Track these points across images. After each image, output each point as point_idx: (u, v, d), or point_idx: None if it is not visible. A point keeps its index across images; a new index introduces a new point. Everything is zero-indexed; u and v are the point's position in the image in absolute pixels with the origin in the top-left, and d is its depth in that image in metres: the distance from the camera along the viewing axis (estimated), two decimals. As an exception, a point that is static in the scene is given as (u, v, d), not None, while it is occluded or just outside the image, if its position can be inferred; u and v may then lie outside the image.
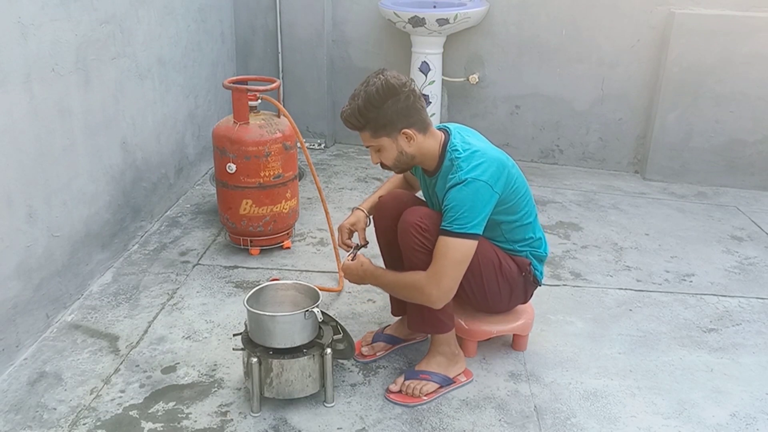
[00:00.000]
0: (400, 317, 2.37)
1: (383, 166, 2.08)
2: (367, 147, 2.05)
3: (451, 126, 2.10)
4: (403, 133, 1.98)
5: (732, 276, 2.94)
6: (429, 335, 2.24)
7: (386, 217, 2.19)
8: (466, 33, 4.01)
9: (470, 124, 2.30)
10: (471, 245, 1.93)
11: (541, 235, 2.21)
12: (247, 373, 2.01)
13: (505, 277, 2.13)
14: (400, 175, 2.35)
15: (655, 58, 3.87)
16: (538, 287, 2.27)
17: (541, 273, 2.23)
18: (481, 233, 1.95)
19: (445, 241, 1.93)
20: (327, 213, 2.87)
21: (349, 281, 2.15)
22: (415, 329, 2.17)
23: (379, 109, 1.93)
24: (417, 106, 1.98)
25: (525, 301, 2.28)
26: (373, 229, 2.27)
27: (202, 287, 2.72)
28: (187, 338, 2.39)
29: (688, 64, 3.76)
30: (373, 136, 1.99)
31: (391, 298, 2.35)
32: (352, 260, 2.13)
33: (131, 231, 3.00)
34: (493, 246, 2.11)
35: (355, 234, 2.26)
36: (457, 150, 2.00)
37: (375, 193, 2.33)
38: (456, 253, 1.93)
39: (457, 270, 1.95)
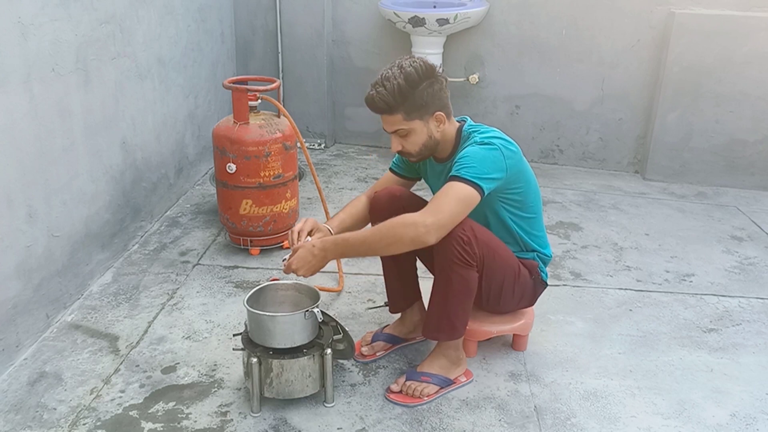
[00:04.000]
0: (399, 317, 2.37)
1: (402, 153, 2.07)
2: (393, 132, 2.02)
3: (467, 117, 2.15)
4: (435, 116, 1.99)
5: (732, 276, 2.94)
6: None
7: (381, 210, 2.19)
8: (466, 33, 4.01)
9: (470, 124, 2.32)
10: (475, 194, 1.88)
11: (544, 234, 2.24)
12: (247, 373, 2.01)
13: (520, 283, 2.14)
14: (363, 199, 2.25)
15: (655, 58, 3.87)
16: (545, 288, 2.28)
17: (546, 274, 2.25)
18: (485, 193, 1.90)
19: (450, 184, 1.89)
20: (327, 213, 2.87)
21: (304, 273, 1.96)
22: (429, 336, 2.14)
23: (416, 90, 1.93)
24: (446, 91, 2.01)
25: (532, 304, 2.29)
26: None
27: (202, 287, 2.72)
28: (187, 338, 2.39)
29: (688, 64, 3.76)
30: (406, 118, 1.97)
31: (389, 294, 2.34)
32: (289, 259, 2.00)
33: (131, 231, 3.00)
34: (511, 252, 2.12)
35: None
36: (474, 127, 2.05)
37: (336, 216, 2.22)
38: (460, 193, 1.88)
39: (456, 208, 1.88)
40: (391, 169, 2.32)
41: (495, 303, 2.16)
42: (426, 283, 2.39)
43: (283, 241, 3.00)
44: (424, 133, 2.01)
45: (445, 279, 1.99)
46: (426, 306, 2.34)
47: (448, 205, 1.87)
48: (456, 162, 1.94)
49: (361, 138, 4.44)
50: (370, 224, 2.25)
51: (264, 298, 2.11)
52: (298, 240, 2.03)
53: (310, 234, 2.07)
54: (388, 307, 2.36)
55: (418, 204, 2.21)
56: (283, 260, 2.02)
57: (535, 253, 2.19)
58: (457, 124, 2.10)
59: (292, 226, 2.21)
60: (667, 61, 3.78)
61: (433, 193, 2.23)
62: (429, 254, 2.08)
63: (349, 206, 2.26)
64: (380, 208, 2.19)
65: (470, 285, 2.00)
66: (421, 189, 3.64)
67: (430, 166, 2.20)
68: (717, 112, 3.82)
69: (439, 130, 2.03)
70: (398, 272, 2.27)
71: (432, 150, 2.07)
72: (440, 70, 2.01)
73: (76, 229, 2.56)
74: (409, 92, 1.93)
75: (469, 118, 2.14)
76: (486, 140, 1.96)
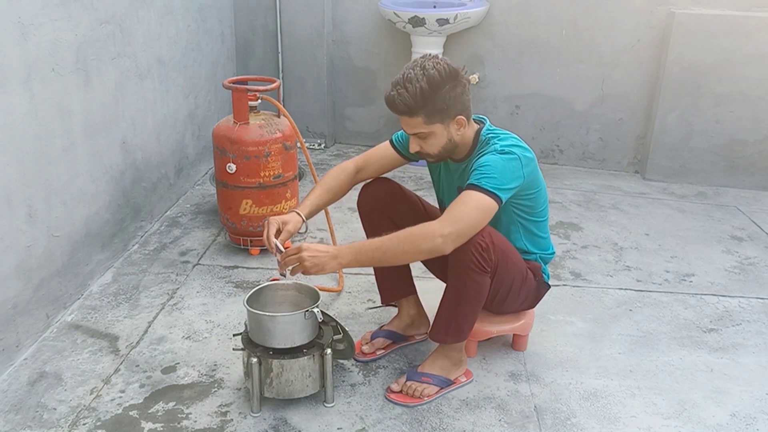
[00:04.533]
0: (396, 314, 2.37)
1: (421, 154, 2.05)
2: (413, 134, 1.99)
3: (485, 118, 2.12)
4: (456, 120, 1.96)
5: (732, 276, 2.94)
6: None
7: (366, 203, 2.20)
8: (466, 33, 4.01)
9: (470, 125, 2.31)
10: (494, 205, 1.87)
11: (548, 236, 2.25)
12: (247, 373, 2.01)
13: (526, 286, 2.15)
14: (341, 170, 2.20)
15: (655, 58, 3.87)
16: (549, 289, 2.28)
17: (548, 275, 2.26)
18: (503, 203, 1.89)
19: (469, 193, 1.87)
20: (327, 213, 2.87)
21: (307, 269, 1.85)
22: (437, 339, 2.12)
23: (438, 93, 1.89)
24: (468, 93, 1.98)
25: (534, 306, 2.29)
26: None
27: (202, 287, 2.72)
28: (187, 338, 2.39)
29: (688, 64, 3.76)
30: (427, 122, 1.93)
31: (379, 285, 2.33)
32: (283, 275, 1.94)
33: (131, 231, 3.00)
34: (520, 256, 2.12)
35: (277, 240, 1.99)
36: (493, 132, 2.03)
37: (312, 192, 2.16)
38: (480, 203, 1.85)
39: (476, 218, 1.85)
40: (391, 141, 2.24)
41: (499, 305, 2.16)
42: (423, 283, 2.40)
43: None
44: (444, 137, 1.97)
45: (459, 284, 1.98)
46: (421, 300, 2.35)
47: (468, 215, 1.85)
48: (475, 169, 1.91)
49: (361, 138, 4.44)
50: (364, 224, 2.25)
51: (264, 298, 2.11)
52: (271, 245, 1.95)
53: (278, 233, 1.99)
54: (386, 306, 2.35)
55: (409, 205, 2.22)
56: (276, 275, 1.95)
57: (538, 255, 2.19)
58: (476, 126, 2.07)
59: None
60: (667, 61, 3.78)
61: (442, 191, 2.23)
62: (437, 259, 2.08)
63: (330, 177, 2.18)
64: (366, 202, 2.20)
65: (482, 290, 2.00)
66: (421, 189, 3.65)
67: (444, 163, 2.17)
68: (717, 112, 3.82)
69: (460, 134, 1.99)
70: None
71: (451, 152, 2.04)
72: (464, 72, 1.95)
73: (76, 229, 2.56)
74: (431, 96, 1.89)
75: (487, 119, 2.11)
76: (506, 149, 1.94)
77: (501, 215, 2.07)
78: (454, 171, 2.13)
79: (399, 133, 2.22)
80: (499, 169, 1.89)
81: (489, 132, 2.04)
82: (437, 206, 2.32)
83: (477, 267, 1.93)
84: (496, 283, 2.03)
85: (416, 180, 3.81)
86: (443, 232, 1.82)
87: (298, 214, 2.07)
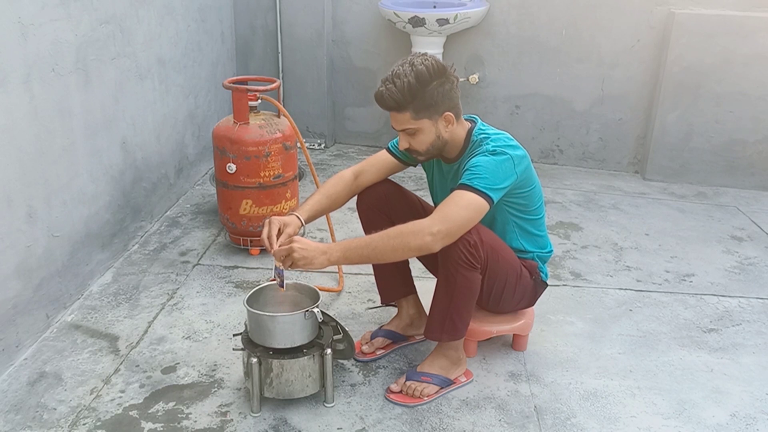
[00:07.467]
0: (396, 314, 2.37)
1: (410, 151, 2.06)
2: (401, 130, 2.00)
3: (477, 117, 2.12)
4: (444, 116, 1.97)
5: (732, 276, 2.94)
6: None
7: (366, 205, 2.20)
8: (466, 33, 4.01)
9: (470, 125, 2.31)
10: (485, 205, 1.88)
11: (546, 234, 2.24)
12: (247, 373, 2.01)
13: (521, 284, 2.15)
14: (342, 176, 2.20)
15: (655, 58, 3.87)
16: (546, 288, 2.28)
17: (546, 274, 2.25)
18: (495, 203, 1.90)
19: (460, 192, 1.88)
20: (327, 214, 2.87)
21: (294, 262, 1.86)
22: (432, 337, 2.12)
23: (426, 88, 1.91)
24: (457, 90, 1.99)
25: (532, 304, 2.29)
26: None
27: (202, 287, 2.72)
28: (187, 338, 2.39)
29: (688, 64, 3.76)
30: (414, 118, 1.95)
31: (379, 284, 2.33)
32: (280, 284, 1.98)
33: (131, 231, 3.00)
34: (513, 254, 2.12)
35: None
36: (485, 132, 2.03)
37: (311, 197, 2.15)
38: (471, 203, 1.86)
39: (466, 217, 1.87)
40: (388, 148, 2.25)
41: (495, 303, 2.17)
42: (423, 283, 2.40)
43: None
44: (433, 133, 1.99)
45: (449, 280, 1.98)
46: (420, 299, 2.35)
47: (458, 214, 1.86)
48: (467, 170, 1.92)
49: (361, 138, 4.44)
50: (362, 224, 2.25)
51: (264, 298, 2.11)
52: (273, 245, 1.94)
53: (279, 233, 1.97)
54: (386, 306, 2.35)
55: (407, 204, 2.22)
56: (275, 275, 1.97)
57: (534, 254, 2.20)
58: (467, 125, 2.07)
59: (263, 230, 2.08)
60: (667, 61, 3.78)
61: (436, 193, 2.24)
62: (429, 255, 2.08)
63: (329, 184, 2.18)
64: (365, 202, 2.20)
65: (474, 287, 2.00)
66: (420, 189, 3.64)
67: (437, 164, 2.19)
68: (717, 112, 3.82)
69: (448, 131, 2.00)
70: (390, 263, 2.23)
71: (440, 150, 2.05)
72: (452, 69, 1.98)
73: (76, 229, 2.56)
74: (419, 91, 1.90)
75: (478, 119, 2.11)
76: (498, 149, 1.95)
77: (496, 215, 2.08)
78: (447, 173, 2.14)
79: (395, 139, 2.23)
80: (490, 169, 1.90)
81: (481, 132, 2.04)
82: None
83: (466, 263, 1.94)
84: (488, 280, 2.03)
85: (416, 180, 3.81)
86: (432, 230, 1.83)
87: (298, 217, 2.07)
